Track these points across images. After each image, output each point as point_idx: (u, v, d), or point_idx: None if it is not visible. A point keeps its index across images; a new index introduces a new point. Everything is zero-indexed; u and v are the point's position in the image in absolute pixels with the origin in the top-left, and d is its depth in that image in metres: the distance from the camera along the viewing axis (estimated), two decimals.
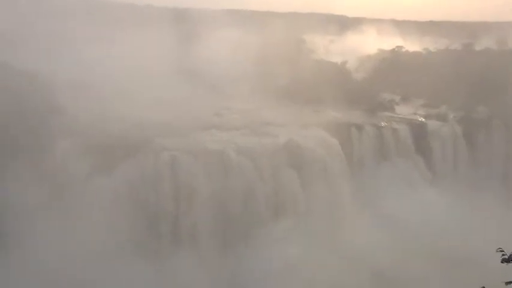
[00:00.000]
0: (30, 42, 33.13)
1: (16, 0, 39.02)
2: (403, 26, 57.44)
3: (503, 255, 8.09)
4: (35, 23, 36.02)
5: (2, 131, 23.29)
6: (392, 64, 42.55)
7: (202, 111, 30.18)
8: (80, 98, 27.51)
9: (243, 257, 24.03)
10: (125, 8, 41.74)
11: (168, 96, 30.37)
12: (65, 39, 34.81)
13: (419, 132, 32.44)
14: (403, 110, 36.07)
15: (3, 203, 22.76)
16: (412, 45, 49.87)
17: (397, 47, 46.80)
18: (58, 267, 21.45)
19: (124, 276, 21.81)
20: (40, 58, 29.91)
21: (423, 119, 34.25)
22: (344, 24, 56.45)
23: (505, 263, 8.01)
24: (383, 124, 32.07)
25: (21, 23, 35.56)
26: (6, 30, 33.07)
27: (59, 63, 30.57)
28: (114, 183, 23.22)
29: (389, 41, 48.74)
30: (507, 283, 8.15)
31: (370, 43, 47.92)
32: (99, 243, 22.31)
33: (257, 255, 23.72)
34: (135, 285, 21.98)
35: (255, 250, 24.06)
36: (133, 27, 36.67)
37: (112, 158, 23.70)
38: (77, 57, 32.64)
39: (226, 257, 24.18)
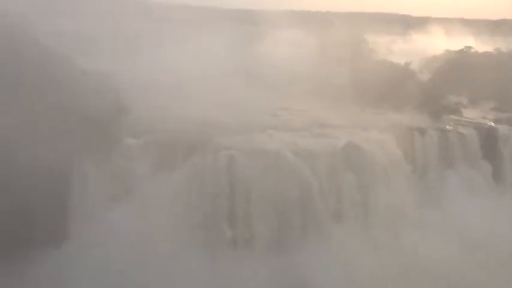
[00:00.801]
0: (100, 43, 34.65)
1: (85, 2, 40.67)
2: (473, 25, 54.82)
3: None
4: (105, 25, 37.57)
5: (73, 128, 24.26)
6: (459, 65, 40.58)
7: (260, 112, 30.01)
8: (144, 98, 28.61)
9: (298, 261, 23.71)
10: (187, 10, 42.56)
11: (227, 97, 30.78)
12: (131, 40, 36.14)
13: (487, 138, 30.74)
14: (471, 114, 34.31)
15: (72, 197, 23.80)
16: (483, 45, 47.40)
17: (466, 47, 44.56)
18: (123, 261, 22.22)
19: (181, 272, 22.17)
20: (109, 59, 31.21)
21: (492, 123, 32.50)
22: (408, 23, 54.77)
23: None
24: (448, 128, 30.67)
25: (94, 25, 37.18)
26: (79, 31, 34.75)
27: (126, 64, 31.79)
28: (175, 181, 23.83)
29: (458, 41, 46.70)
30: None
31: (437, 43, 46.13)
32: (159, 239, 22.85)
33: (313, 260, 23.35)
34: (191, 283, 22.19)
35: (311, 254, 23.70)
36: (196, 29, 37.44)
37: (173, 157, 24.38)
38: (142, 58, 33.80)
39: (281, 260, 23.89)
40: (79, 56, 28.23)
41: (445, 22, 53.86)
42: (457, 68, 39.89)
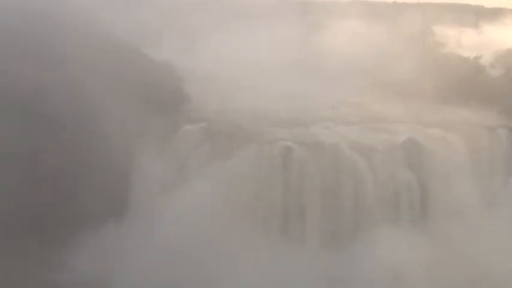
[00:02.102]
0: (165, 34, 35.67)
1: None
2: None
3: None
4: (169, 16, 38.56)
5: (138, 113, 24.99)
6: None
7: (318, 104, 29.68)
8: (204, 87, 29.37)
9: (351, 257, 23.30)
10: (247, 1, 42.60)
11: (285, 88, 30.77)
12: (193, 31, 36.87)
13: None
14: None
15: (133, 178, 24.73)
16: None
17: None
18: (177, 244, 22.86)
19: (231, 261, 22.45)
20: (173, 49, 32.14)
21: None
22: (480, 15, 51.71)
23: None
24: None
25: (159, 16, 38.25)
26: (147, 23, 35.90)
27: (188, 54, 32.58)
28: (229, 170, 24.10)
29: None
30: None
31: (511, 36, 43.26)
32: (211, 226, 23.25)
33: (366, 258, 22.86)
34: (240, 273, 22.42)
35: (365, 252, 23.20)
36: (256, 20, 37.43)
37: (230, 146, 24.68)
38: (203, 49, 34.46)
39: (332, 255, 23.60)
40: (146, 46, 29.36)
41: None
42: None
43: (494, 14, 51.16)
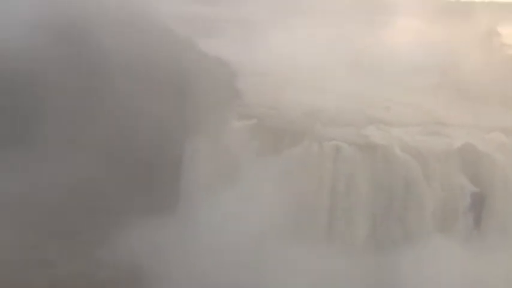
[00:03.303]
0: (219, 27, 35.98)
1: None
2: None
3: None
4: (225, 9, 38.81)
5: (190, 106, 25.42)
6: None
7: (371, 103, 28.87)
8: (256, 83, 29.31)
9: (399, 265, 22.57)
10: None
11: (339, 87, 30.21)
12: (249, 26, 36.93)
13: None
14: None
15: (184, 171, 25.15)
16: None
17: None
18: (224, 242, 23.07)
19: (274, 259, 22.39)
20: (226, 43, 32.37)
21: None
22: None
23: None
24: None
25: (214, 9, 38.58)
26: (201, 15, 36.34)
27: (242, 49, 32.71)
28: (279, 167, 23.96)
29: None
30: None
31: None
32: (257, 222, 23.26)
33: (415, 267, 22.08)
34: (284, 271, 22.31)
35: (413, 260, 22.40)
36: (316, 16, 36.99)
37: (280, 142, 24.59)
38: (258, 44, 34.43)
39: (380, 261, 22.98)
40: (200, 39, 29.68)
41: None
42: None
43: None
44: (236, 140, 25.26)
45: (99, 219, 24.70)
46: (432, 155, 23.69)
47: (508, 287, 21.51)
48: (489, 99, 29.76)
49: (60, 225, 24.68)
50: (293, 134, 24.79)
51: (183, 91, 26.34)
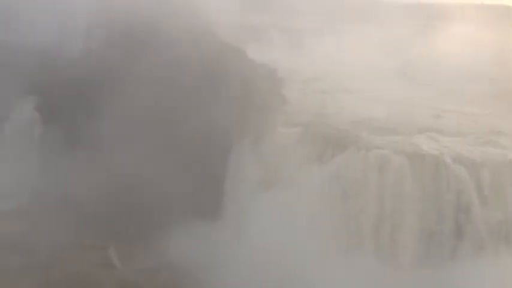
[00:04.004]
0: (268, 35, 36.17)
1: None
2: None
3: None
4: (273, 18, 38.99)
5: (235, 114, 25.69)
6: None
7: (421, 112, 28.02)
8: (305, 90, 29.27)
9: (448, 281, 21.50)
10: (352, 3, 41.66)
11: (387, 94, 29.69)
12: (296, 33, 36.91)
13: None
14: None
15: (227, 179, 25.31)
16: None
17: None
18: (267, 247, 22.88)
19: (315, 269, 22.00)
20: (274, 50, 32.41)
21: None
22: None
23: None
24: None
25: (263, 18, 38.86)
26: (251, 24, 36.67)
27: (289, 56, 32.72)
28: (323, 174, 23.65)
29: None
30: None
31: None
32: (300, 230, 23.02)
33: (465, 285, 20.99)
34: (324, 283, 21.92)
35: (465, 278, 21.24)
36: (366, 22, 36.50)
37: (325, 149, 24.26)
38: (305, 51, 34.36)
39: (428, 276, 22.03)
40: (248, 46, 29.92)
41: None
42: None
43: None
44: (281, 147, 25.09)
45: (147, 221, 25.08)
46: (486, 166, 22.62)
47: None
48: None
49: (112, 226, 25.17)
50: (339, 142, 24.36)
51: (230, 97, 26.55)
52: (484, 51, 32.41)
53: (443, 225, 22.38)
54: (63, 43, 29.28)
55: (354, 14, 38.42)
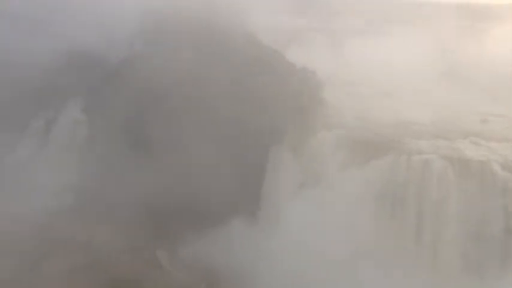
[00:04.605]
0: (308, 38, 35.93)
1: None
2: None
3: None
4: (315, 20, 38.69)
5: (275, 117, 25.61)
6: None
7: (467, 116, 27.13)
8: (345, 93, 29.03)
9: None
10: (397, 5, 40.80)
11: (431, 97, 29.00)
12: (337, 36, 36.47)
13: None
14: None
15: (266, 181, 25.33)
16: None
17: None
18: (303, 248, 22.76)
19: (350, 273, 21.64)
20: (315, 53, 32.18)
21: None
22: None
23: None
24: None
25: (305, 21, 38.63)
26: (292, 27, 36.55)
27: (330, 58, 32.40)
28: (364, 178, 23.23)
29: None
30: None
31: None
32: (337, 232, 22.69)
33: None
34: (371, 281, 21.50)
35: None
36: (404, 24, 35.72)
37: (366, 153, 23.86)
38: (346, 54, 33.92)
39: (473, 285, 21.31)
40: (288, 49, 29.79)
41: None
42: None
43: None
44: (321, 150, 24.89)
45: (192, 222, 25.32)
46: None
47: None
48: None
49: (160, 227, 25.59)
50: (380, 146, 23.92)
51: (270, 100, 26.55)
52: None
53: (491, 235, 21.51)
54: (110, 46, 30.12)
55: (397, 15, 37.61)
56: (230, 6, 29.80)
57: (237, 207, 24.98)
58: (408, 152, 23.17)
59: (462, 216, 21.74)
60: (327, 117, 26.51)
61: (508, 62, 30.24)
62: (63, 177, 28.18)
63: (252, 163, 25.76)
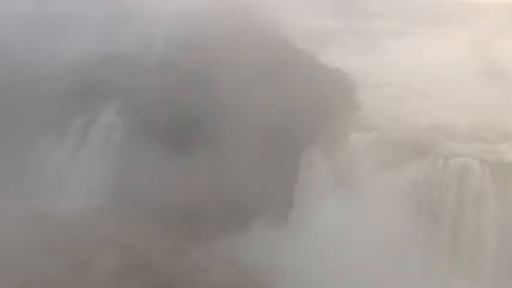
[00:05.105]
0: (340, 39, 35.66)
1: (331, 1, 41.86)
2: None
3: None
4: (348, 22, 38.36)
5: (307, 120, 25.56)
6: None
7: (505, 118, 26.28)
8: (378, 95, 28.64)
9: None
10: (430, 5, 39.98)
11: (468, 99, 28.24)
12: (370, 36, 36.02)
13: None
14: None
15: (297, 184, 25.21)
16: None
17: None
18: (334, 252, 22.55)
19: (383, 278, 21.27)
20: (347, 54, 31.90)
21: None
22: None
23: None
24: None
25: (337, 22, 38.34)
26: (325, 29, 36.34)
27: (362, 60, 32.06)
28: (398, 182, 22.83)
29: None
30: None
31: None
32: (372, 239, 22.32)
33: None
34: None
35: None
36: (440, 23, 34.99)
37: (400, 157, 23.43)
38: (378, 55, 33.51)
39: None
40: (320, 50, 29.60)
41: None
42: None
43: None
44: (354, 152, 24.56)
45: (220, 223, 25.51)
46: None
47: None
48: None
49: (196, 228, 25.86)
50: (416, 149, 23.43)
51: (302, 101, 26.44)
52: None
53: None
54: (144, 50, 30.60)
55: (432, 15, 36.90)
56: (263, 8, 29.84)
57: (268, 208, 24.94)
58: (445, 156, 22.60)
59: (502, 222, 21.10)
60: (360, 119, 26.23)
61: None
62: (100, 178, 28.79)
63: (284, 166, 25.68)
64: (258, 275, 22.88)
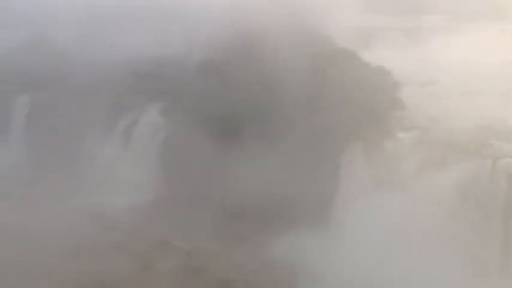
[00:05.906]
0: (384, 37, 35.07)
1: None
2: None
3: None
4: (392, 18, 37.70)
5: (348, 120, 25.27)
6: None
7: None
8: (422, 94, 27.92)
9: None
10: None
11: None
12: (414, 33, 35.29)
13: None
14: None
15: (338, 183, 24.95)
16: None
17: None
18: (375, 253, 22.25)
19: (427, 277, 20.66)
20: (390, 52, 31.36)
21: None
22: None
23: None
24: None
25: (380, 19, 37.75)
26: (368, 26, 35.85)
27: (406, 58, 31.49)
28: (443, 184, 22.23)
29: None
30: None
31: None
32: (414, 237, 21.87)
33: None
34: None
35: None
36: (489, 20, 33.80)
37: (446, 156, 22.84)
38: (422, 53, 32.88)
39: None
40: (364, 48, 29.15)
41: None
42: None
43: None
44: (396, 152, 24.17)
45: (264, 222, 25.48)
46: None
47: None
48: None
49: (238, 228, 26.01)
50: (462, 149, 22.80)
51: (344, 100, 26.17)
52: None
53: None
54: (189, 50, 31.01)
55: (481, 11, 35.70)
56: (307, 7, 29.70)
57: (309, 209, 24.71)
58: (494, 156, 21.89)
59: None
60: (403, 118, 25.77)
61: None
62: (144, 178, 29.27)
63: (326, 166, 25.51)
64: (298, 277, 22.73)
